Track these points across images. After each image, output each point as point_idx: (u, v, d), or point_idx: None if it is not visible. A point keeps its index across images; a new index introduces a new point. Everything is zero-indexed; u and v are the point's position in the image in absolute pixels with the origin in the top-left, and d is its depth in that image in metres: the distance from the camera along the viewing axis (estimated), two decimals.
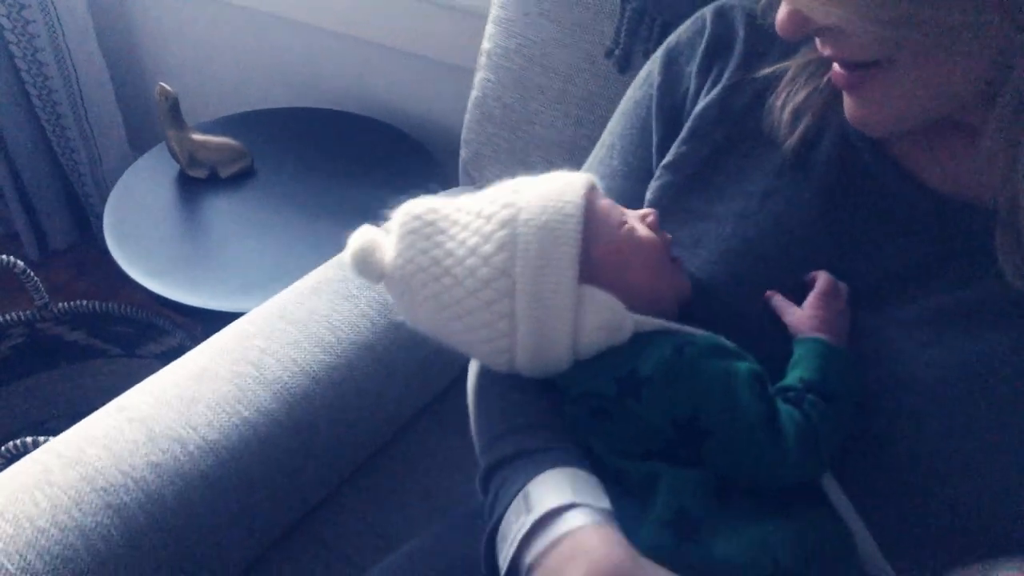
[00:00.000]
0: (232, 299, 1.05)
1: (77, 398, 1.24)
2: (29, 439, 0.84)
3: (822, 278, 0.56)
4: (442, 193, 0.99)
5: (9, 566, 0.57)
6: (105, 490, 0.62)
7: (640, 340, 0.55)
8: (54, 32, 1.47)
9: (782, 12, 0.51)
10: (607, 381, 0.54)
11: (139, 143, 1.66)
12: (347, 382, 0.76)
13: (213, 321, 1.04)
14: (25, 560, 0.58)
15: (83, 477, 0.62)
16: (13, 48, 1.49)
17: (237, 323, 0.79)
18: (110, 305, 1.21)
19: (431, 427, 0.85)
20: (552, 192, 0.57)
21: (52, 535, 0.59)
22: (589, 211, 0.56)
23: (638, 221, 0.59)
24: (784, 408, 0.52)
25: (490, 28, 0.92)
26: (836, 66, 0.53)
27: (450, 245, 0.56)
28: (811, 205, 0.58)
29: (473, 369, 0.65)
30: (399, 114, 1.33)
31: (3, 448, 0.85)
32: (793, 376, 0.53)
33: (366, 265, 0.58)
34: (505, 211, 0.56)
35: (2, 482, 0.62)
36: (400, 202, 1.07)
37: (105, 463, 0.63)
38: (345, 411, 0.76)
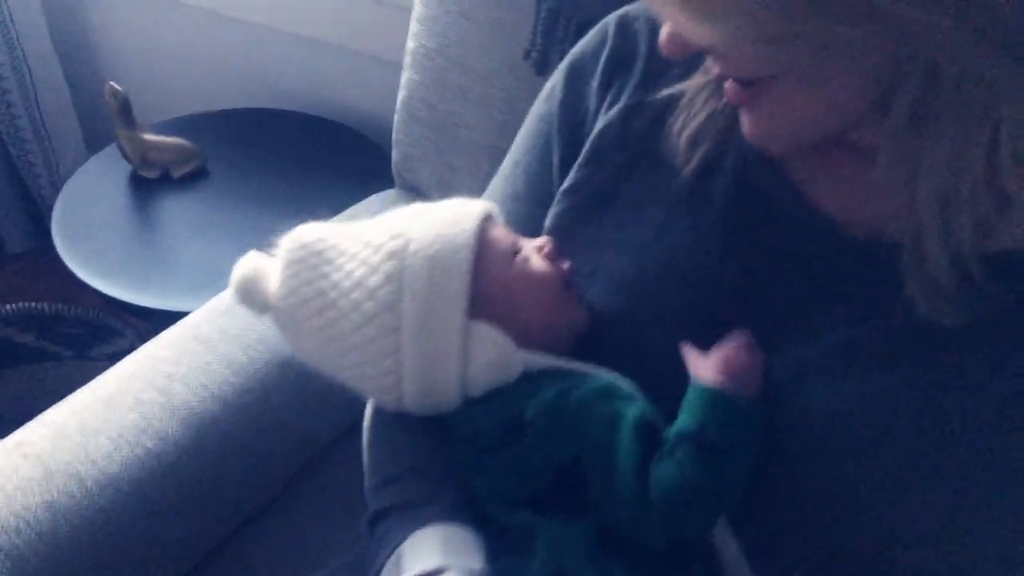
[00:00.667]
0: (183, 299, 1.04)
1: (27, 401, 1.24)
2: None
3: (739, 333, 0.52)
4: (365, 202, 0.98)
5: None
6: None
7: (530, 378, 0.53)
8: (7, 31, 1.45)
9: (663, 33, 0.48)
10: (493, 422, 0.53)
11: (96, 144, 1.64)
12: (260, 405, 0.75)
13: (164, 321, 1.03)
14: None
15: None
16: None
17: (147, 346, 0.77)
18: (60, 306, 1.21)
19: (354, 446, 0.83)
20: (444, 222, 0.55)
21: None
22: (482, 242, 0.54)
23: (534, 252, 0.56)
24: (657, 461, 0.49)
25: (413, 26, 0.89)
26: (729, 82, 0.50)
27: (336, 276, 0.54)
28: (710, 236, 0.54)
29: (369, 405, 0.63)
30: (351, 113, 1.30)
31: None
32: (672, 426, 0.50)
33: (250, 295, 0.56)
34: (393, 241, 0.54)
35: None
36: (348, 202, 1.04)
37: None
38: (259, 435, 0.75)
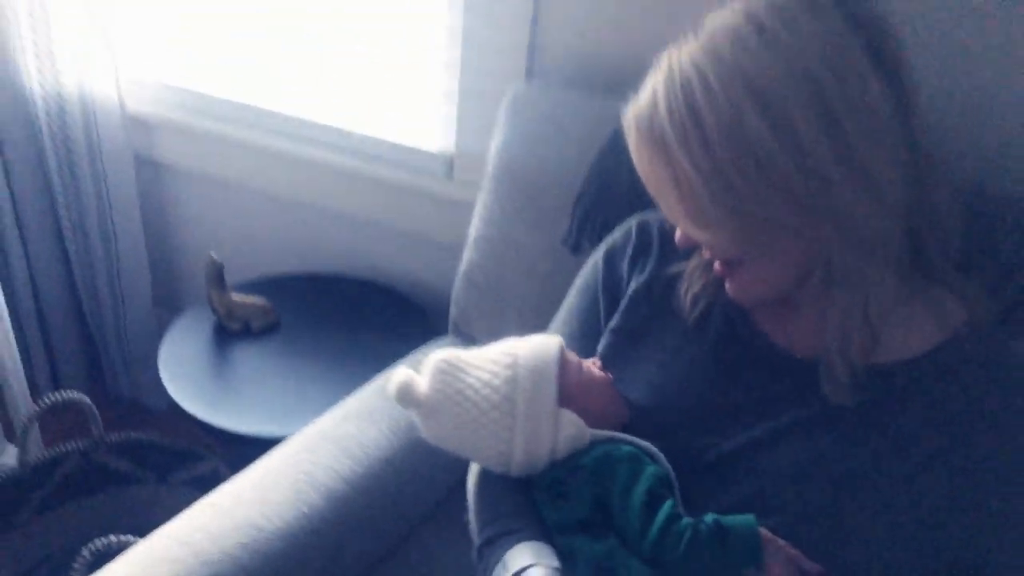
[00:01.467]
0: (262, 426, 1.30)
1: (110, 519, 1.44)
2: (114, 538, 1.06)
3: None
4: (432, 343, 1.28)
5: None
6: (207, 563, 0.86)
7: (594, 443, 0.82)
8: (102, 202, 1.76)
9: (677, 234, 0.82)
10: (564, 470, 0.81)
11: (159, 301, 1.93)
12: (373, 486, 1.02)
13: (242, 446, 1.29)
14: None
15: (192, 553, 0.86)
16: (61, 211, 1.78)
17: (288, 442, 1.04)
18: (154, 436, 1.45)
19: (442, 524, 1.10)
20: (538, 347, 0.85)
21: None
22: (561, 360, 0.85)
23: (591, 366, 0.87)
24: (681, 516, 0.75)
25: (476, 220, 1.24)
26: (716, 263, 0.83)
27: (469, 380, 0.83)
28: (705, 361, 0.87)
29: (473, 472, 0.91)
30: (397, 278, 1.63)
31: (91, 547, 1.06)
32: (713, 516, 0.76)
33: (406, 396, 0.84)
34: (507, 358, 0.84)
35: (136, 558, 0.85)
36: (397, 351, 1.34)
37: (206, 545, 0.87)
38: (372, 507, 1.01)
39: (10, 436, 1.58)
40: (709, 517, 0.75)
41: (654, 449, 0.82)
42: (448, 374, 0.84)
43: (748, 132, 0.69)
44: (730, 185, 0.71)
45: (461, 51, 1.37)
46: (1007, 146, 1.01)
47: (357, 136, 1.56)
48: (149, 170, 1.80)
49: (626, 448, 0.81)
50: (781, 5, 0.71)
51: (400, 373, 0.85)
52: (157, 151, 1.76)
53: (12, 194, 1.76)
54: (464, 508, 0.90)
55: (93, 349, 1.98)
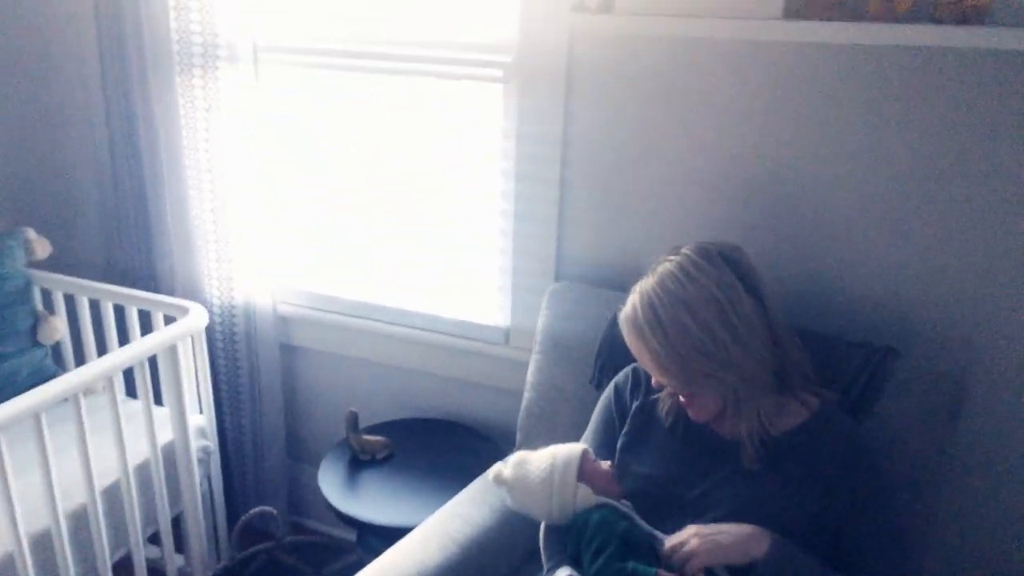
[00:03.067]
0: (390, 519, 1.91)
1: None
2: None
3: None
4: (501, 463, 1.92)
5: None
6: None
7: (599, 505, 1.45)
8: (253, 379, 2.44)
9: (653, 379, 1.48)
10: (583, 519, 1.44)
11: (294, 452, 2.57)
12: (484, 544, 1.63)
13: (375, 535, 1.91)
14: None
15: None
16: (222, 386, 2.46)
17: (427, 521, 1.67)
18: (321, 536, 2.06)
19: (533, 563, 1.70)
20: (569, 449, 1.50)
21: None
22: (583, 457, 1.49)
23: (601, 463, 1.51)
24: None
25: (531, 371, 1.90)
26: (679, 395, 1.48)
27: (530, 467, 1.48)
28: (677, 445, 1.51)
29: (542, 527, 1.54)
30: (472, 418, 2.28)
31: None
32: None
33: (498, 479, 1.49)
34: (550, 456, 1.49)
35: None
36: (476, 469, 1.97)
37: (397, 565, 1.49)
38: (482, 556, 1.62)
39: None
40: (630, 564, 1.34)
41: (627, 511, 1.44)
42: (520, 464, 1.49)
43: (685, 328, 1.36)
44: (678, 355, 1.37)
45: (512, 260, 2.09)
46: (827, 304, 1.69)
47: (438, 317, 2.25)
48: (288, 352, 2.49)
49: (618, 508, 1.43)
50: (695, 260, 1.39)
51: (495, 466, 1.50)
52: (294, 337, 2.46)
53: None
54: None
55: (231, 486, 2.60)
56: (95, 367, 1.77)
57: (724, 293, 1.35)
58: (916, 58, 1.59)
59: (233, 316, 2.38)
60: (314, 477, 2.07)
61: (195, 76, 2.20)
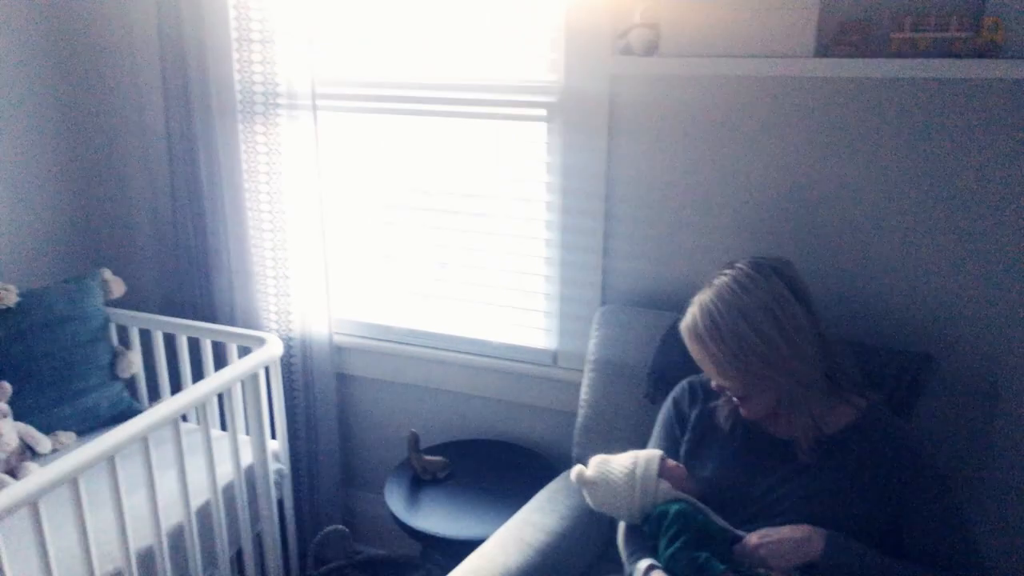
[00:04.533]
0: (454, 532, 2.02)
1: None
2: None
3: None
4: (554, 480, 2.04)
5: None
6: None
7: (676, 499, 1.57)
8: (310, 409, 2.55)
9: (713, 382, 1.61)
10: (660, 510, 1.56)
11: (349, 481, 2.68)
12: (558, 547, 1.75)
13: (443, 549, 2.02)
14: None
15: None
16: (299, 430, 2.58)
17: (500, 530, 1.78)
18: (390, 553, 2.16)
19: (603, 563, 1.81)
20: (650, 452, 1.63)
21: None
22: (662, 458, 1.61)
23: (678, 465, 1.63)
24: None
25: (584, 390, 2.03)
26: (735, 398, 1.61)
27: (613, 466, 1.61)
28: (737, 448, 1.63)
29: (620, 527, 1.65)
30: (523, 437, 2.40)
31: None
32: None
33: (580, 478, 1.61)
34: (633, 457, 1.61)
35: None
36: (530, 486, 2.10)
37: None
38: (557, 558, 1.73)
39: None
40: (703, 555, 1.47)
41: (704, 507, 1.56)
42: (602, 464, 1.62)
43: (742, 334, 1.49)
44: (736, 359, 1.50)
45: (559, 287, 2.23)
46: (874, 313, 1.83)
47: (488, 342, 2.38)
48: (343, 380, 2.61)
49: (690, 502, 1.56)
50: (749, 273, 1.53)
51: (575, 468, 1.62)
52: (350, 366, 2.58)
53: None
54: (611, 555, 1.64)
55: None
56: (187, 396, 1.89)
57: (776, 302, 1.49)
58: (938, 89, 1.75)
59: (290, 347, 2.50)
60: (369, 503, 2.19)
61: (256, 123, 2.35)
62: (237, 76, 2.34)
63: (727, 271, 1.55)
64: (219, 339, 2.29)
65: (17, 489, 1.51)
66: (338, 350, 2.55)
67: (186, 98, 2.42)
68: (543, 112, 2.16)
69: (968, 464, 1.69)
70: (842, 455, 1.54)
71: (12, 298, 2.13)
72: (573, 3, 2.00)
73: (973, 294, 1.84)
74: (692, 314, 1.55)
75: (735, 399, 1.59)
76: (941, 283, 1.85)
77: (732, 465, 1.62)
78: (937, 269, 1.85)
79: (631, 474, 1.58)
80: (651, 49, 1.92)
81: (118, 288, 2.36)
